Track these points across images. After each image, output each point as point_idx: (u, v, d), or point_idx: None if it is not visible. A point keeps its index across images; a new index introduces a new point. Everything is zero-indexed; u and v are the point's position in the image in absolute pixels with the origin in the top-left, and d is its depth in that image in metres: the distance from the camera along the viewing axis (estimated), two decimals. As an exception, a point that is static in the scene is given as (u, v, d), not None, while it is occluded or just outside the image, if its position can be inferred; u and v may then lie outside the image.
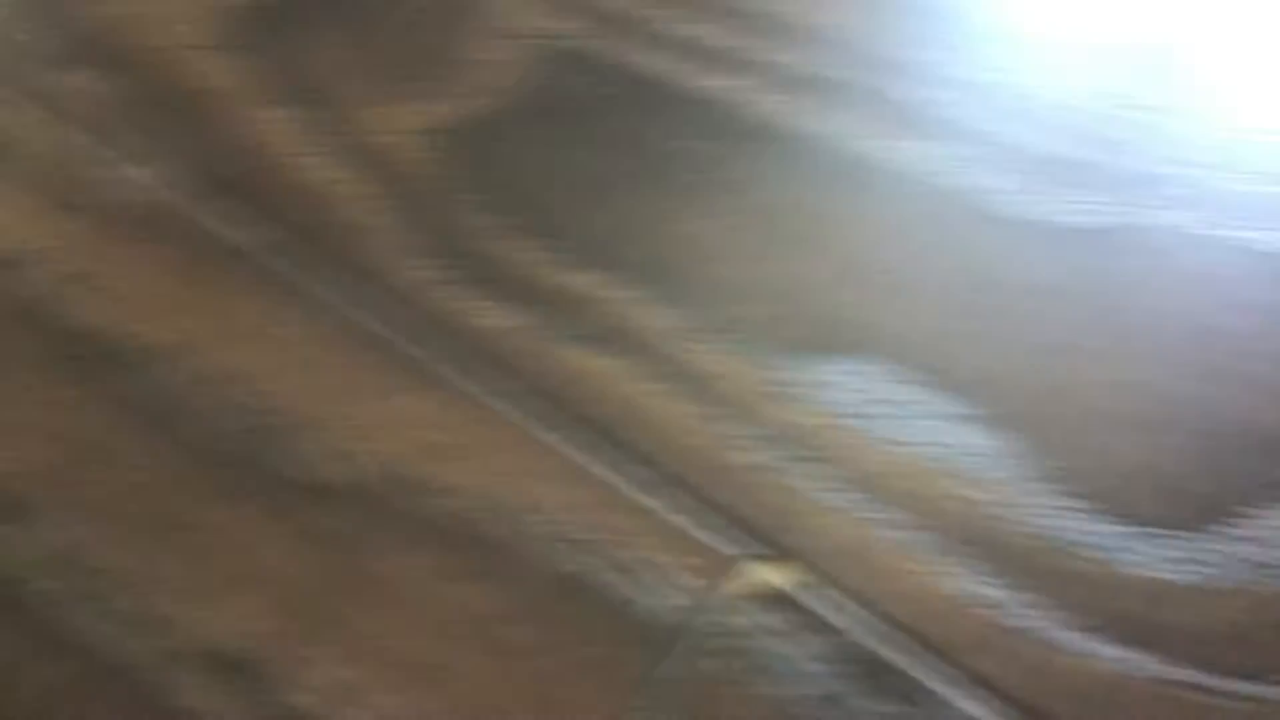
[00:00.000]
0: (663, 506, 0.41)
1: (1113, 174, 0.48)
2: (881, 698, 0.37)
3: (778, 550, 0.40)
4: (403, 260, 0.48)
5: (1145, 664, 0.38)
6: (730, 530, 0.41)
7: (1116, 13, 0.53)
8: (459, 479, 0.42)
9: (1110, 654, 0.38)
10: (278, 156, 0.51)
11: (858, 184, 0.48)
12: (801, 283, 0.46)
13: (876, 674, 0.38)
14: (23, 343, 0.46)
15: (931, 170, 0.48)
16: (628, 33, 0.54)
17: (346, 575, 0.40)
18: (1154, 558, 0.39)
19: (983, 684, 0.38)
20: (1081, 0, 0.54)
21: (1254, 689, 0.37)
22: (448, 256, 0.48)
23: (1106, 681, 0.37)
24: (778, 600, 0.39)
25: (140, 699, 0.38)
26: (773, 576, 0.40)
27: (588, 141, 0.50)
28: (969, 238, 0.47)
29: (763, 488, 0.42)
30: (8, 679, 0.38)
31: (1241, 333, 0.44)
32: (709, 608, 0.39)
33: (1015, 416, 0.42)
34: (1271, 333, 0.44)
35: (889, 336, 0.44)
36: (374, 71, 0.53)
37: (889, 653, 0.38)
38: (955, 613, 0.39)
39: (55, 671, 0.39)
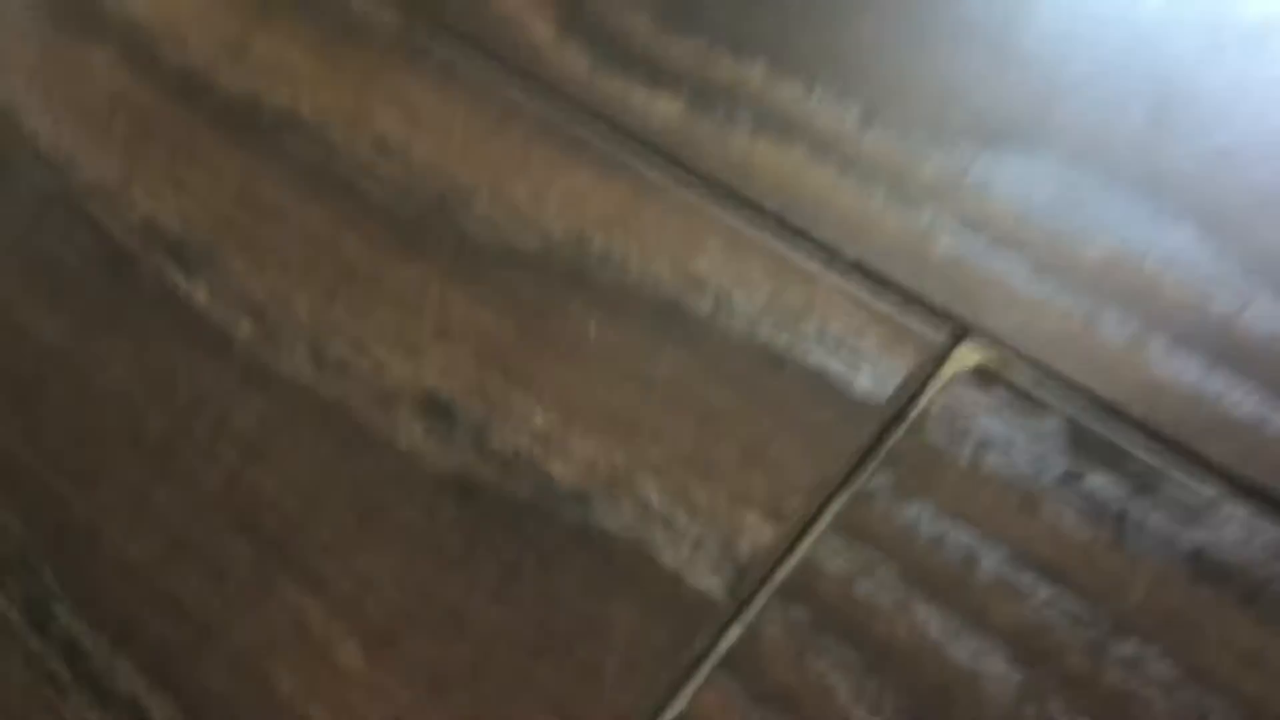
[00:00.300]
0: (868, 291, 0.40)
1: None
2: (1117, 478, 0.36)
3: (988, 335, 0.39)
4: (567, 50, 0.46)
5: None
6: (938, 315, 0.39)
7: None
8: (653, 254, 0.41)
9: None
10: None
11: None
12: (977, 77, 0.44)
13: (1108, 457, 0.36)
14: (194, 110, 0.45)
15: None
16: None
17: (543, 335, 0.39)
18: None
19: (1211, 468, 0.36)
20: None
21: None
22: (613, 46, 0.46)
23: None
24: (998, 382, 0.38)
25: (353, 435, 0.37)
26: (989, 360, 0.38)
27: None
28: (1147, 38, 0.44)
29: (964, 275, 0.40)
30: (222, 411, 0.37)
31: None
32: (930, 387, 0.38)
33: (1207, 214, 0.41)
34: None
35: (1066, 131, 0.43)
36: None
37: (1117, 436, 0.37)
38: (1179, 400, 0.38)
39: (269, 406, 0.37)
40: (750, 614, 0.34)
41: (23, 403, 0.38)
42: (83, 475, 0.36)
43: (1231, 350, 0.38)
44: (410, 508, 0.36)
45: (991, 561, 0.35)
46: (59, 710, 0.34)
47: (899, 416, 0.37)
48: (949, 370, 0.38)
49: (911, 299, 0.40)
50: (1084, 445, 0.37)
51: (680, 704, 0.33)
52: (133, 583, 0.35)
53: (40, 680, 0.34)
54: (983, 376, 0.38)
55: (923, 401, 0.38)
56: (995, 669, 0.33)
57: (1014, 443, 0.37)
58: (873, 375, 0.38)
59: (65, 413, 0.38)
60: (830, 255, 0.41)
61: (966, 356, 0.38)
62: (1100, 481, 0.36)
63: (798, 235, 0.41)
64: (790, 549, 0.35)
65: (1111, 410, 0.37)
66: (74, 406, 0.38)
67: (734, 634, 0.34)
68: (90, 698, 0.34)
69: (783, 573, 0.35)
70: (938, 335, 0.39)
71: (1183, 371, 0.38)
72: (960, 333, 0.39)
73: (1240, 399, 0.37)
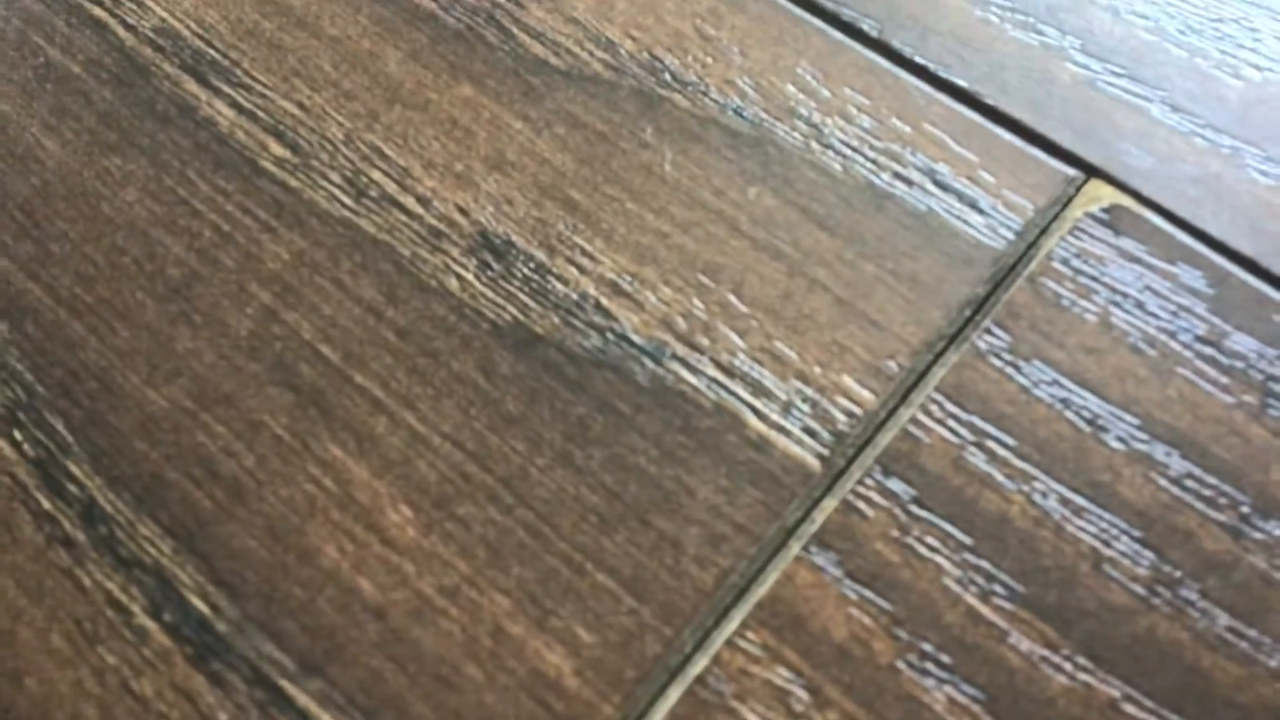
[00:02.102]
0: (982, 123, 0.35)
1: None
2: (1262, 341, 0.32)
3: (1119, 175, 0.34)
4: None
5: None
6: (1063, 151, 0.35)
7: None
8: (735, 76, 0.36)
9: None
10: None
11: None
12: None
13: (1252, 316, 0.32)
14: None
15: None
16: None
17: (610, 167, 0.35)
18: None
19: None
20: None
21: None
22: None
23: None
24: (1130, 229, 0.33)
25: (398, 276, 0.33)
26: (1120, 203, 0.34)
27: None
28: None
29: (1092, 107, 0.35)
30: (250, 245, 0.33)
31: None
32: (1053, 231, 0.33)
33: None
34: None
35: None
36: None
37: (1264, 293, 0.33)
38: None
39: (302, 241, 0.33)
40: (846, 485, 0.31)
41: (25, 232, 0.34)
42: (97, 315, 0.32)
43: None
44: (464, 359, 0.32)
45: (1119, 431, 0.31)
46: (76, 577, 0.30)
47: (1016, 265, 0.33)
48: (1074, 213, 0.34)
49: (1033, 133, 0.35)
50: (1226, 302, 0.32)
51: (768, 582, 0.30)
52: (156, 437, 0.31)
53: (54, 543, 0.30)
54: (1113, 221, 0.33)
55: (1044, 248, 0.33)
56: (1122, 550, 0.30)
57: (1147, 298, 0.32)
58: (987, 218, 0.34)
59: (74, 243, 0.34)
60: (939, 81, 0.36)
61: (1094, 198, 0.34)
62: (1243, 344, 0.32)
63: (902, 57, 0.36)
64: (892, 414, 0.31)
65: (1256, 265, 0.33)
66: (84, 237, 0.34)
67: (828, 506, 0.30)
68: (111, 563, 0.30)
69: (883, 440, 0.31)
70: (1062, 174, 0.34)
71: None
72: (1088, 172, 0.34)
73: None
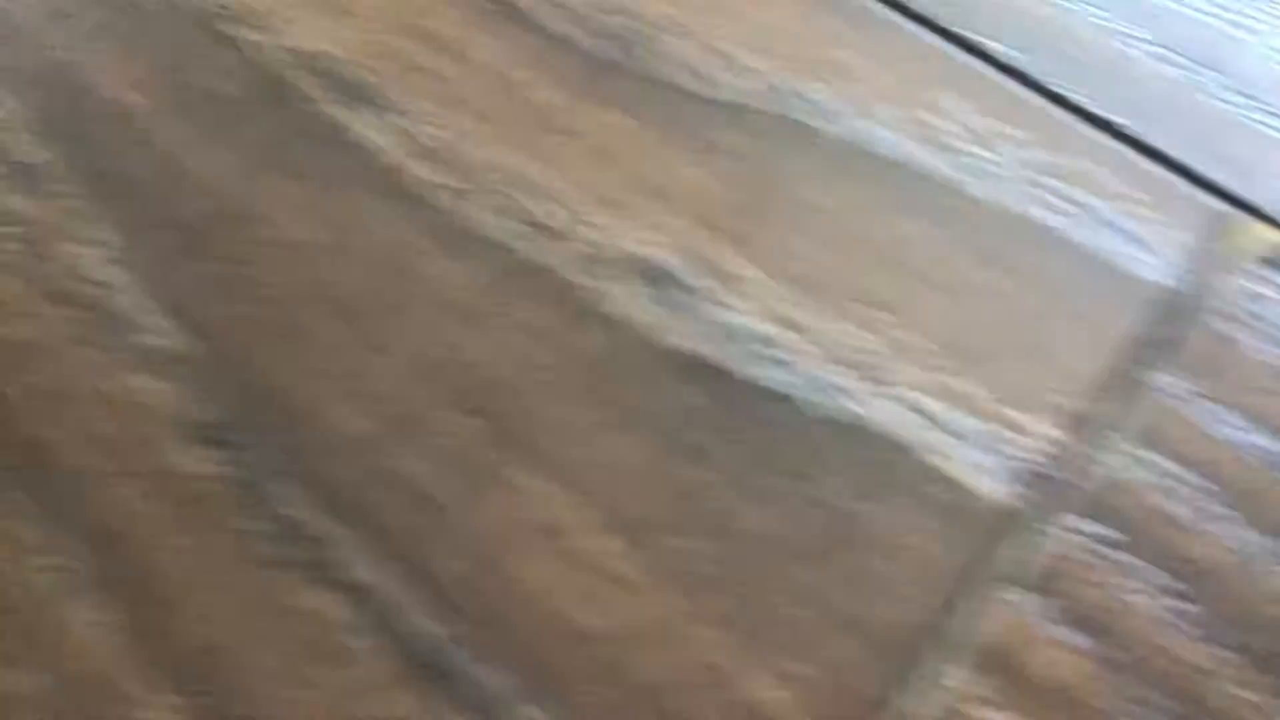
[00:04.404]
0: (1138, 156, 0.35)
1: None
2: None
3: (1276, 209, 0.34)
4: None
5: None
6: (1218, 186, 0.35)
7: None
8: (883, 105, 0.35)
9: None
10: None
11: None
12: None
13: None
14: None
15: None
16: None
17: (767, 194, 0.34)
18: None
19: None
20: None
21: None
22: None
23: None
24: (1292, 264, 0.33)
25: (570, 304, 0.31)
26: (1277, 237, 0.34)
27: None
28: None
29: (1245, 142, 0.35)
30: (418, 271, 0.31)
31: None
32: (1211, 265, 0.33)
33: None
34: None
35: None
36: None
37: None
38: None
39: (467, 267, 0.32)
40: (1050, 526, 0.30)
41: (191, 253, 0.32)
42: (281, 337, 0.31)
43: None
44: (646, 389, 0.30)
45: (1301, 468, 0.31)
46: (292, 598, 0.28)
47: (1184, 303, 0.33)
48: (1237, 250, 0.34)
49: (1185, 169, 0.35)
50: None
51: (978, 622, 0.29)
52: (357, 461, 0.29)
53: (268, 564, 0.28)
54: (1276, 260, 0.34)
55: (1211, 285, 0.33)
56: (1316, 586, 0.30)
57: (1315, 334, 0.33)
58: (1149, 253, 0.33)
59: (240, 264, 0.32)
60: (1086, 114, 0.36)
61: (1257, 237, 0.34)
62: None
63: (1046, 89, 0.36)
64: (1084, 454, 0.31)
65: None
66: (251, 258, 0.32)
67: (1035, 547, 0.30)
68: (325, 583, 0.29)
69: (1080, 481, 0.31)
70: (1219, 210, 0.34)
71: None
72: (1245, 209, 0.34)
73: None
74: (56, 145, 0.34)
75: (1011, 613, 0.29)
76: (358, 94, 0.35)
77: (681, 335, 0.31)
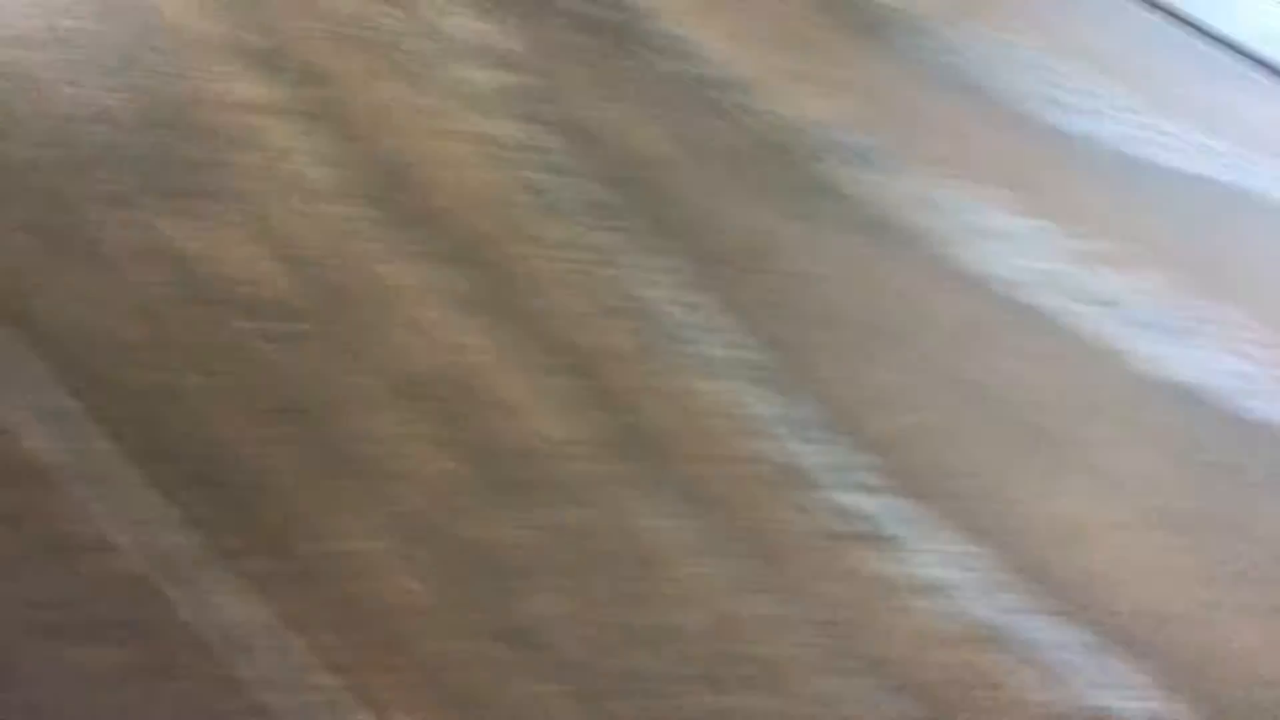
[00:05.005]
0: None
1: None
2: None
3: None
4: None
5: None
6: None
7: None
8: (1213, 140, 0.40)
9: None
10: None
11: None
12: None
13: None
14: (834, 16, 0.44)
15: None
16: None
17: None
18: None
19: None
20: None
21: None
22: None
23: None
24: None
25: (1070, 342, 0.38)
26: None
27: None
28: None
29: None
30: (920, 309, 0.39)
31: None
32: None
33: None
34: None
35: None
36: None
37: None
38: None
39: (963, 307, 0.40)
40: None
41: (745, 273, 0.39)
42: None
43: None
44: (1148, 414, 0.38)
45: None
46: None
47: None
48: None
49: None
50: None
51: None
52: (917, 452, 0.36)
53: (854, 541, 0.36)
54: None
55: None
56: None
57: None
58: None
59: (777, 303, 0.40)
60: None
61: None
62: None
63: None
64: None
65: None
66: (784, 298, 0.40)
67: None
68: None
69: None
70: None
71: None
72: None
73: None
74: (615, 189, 0.43)
75: None
76: (854, 153, 0.43)
77: (1178, 372, 0.36)
